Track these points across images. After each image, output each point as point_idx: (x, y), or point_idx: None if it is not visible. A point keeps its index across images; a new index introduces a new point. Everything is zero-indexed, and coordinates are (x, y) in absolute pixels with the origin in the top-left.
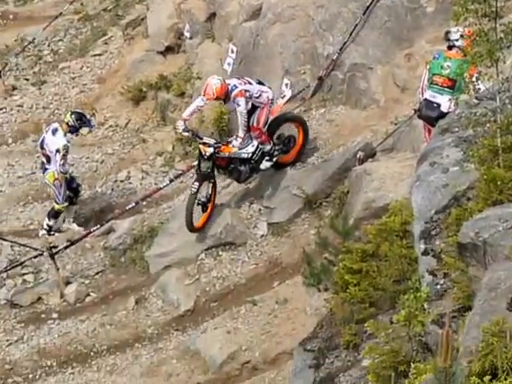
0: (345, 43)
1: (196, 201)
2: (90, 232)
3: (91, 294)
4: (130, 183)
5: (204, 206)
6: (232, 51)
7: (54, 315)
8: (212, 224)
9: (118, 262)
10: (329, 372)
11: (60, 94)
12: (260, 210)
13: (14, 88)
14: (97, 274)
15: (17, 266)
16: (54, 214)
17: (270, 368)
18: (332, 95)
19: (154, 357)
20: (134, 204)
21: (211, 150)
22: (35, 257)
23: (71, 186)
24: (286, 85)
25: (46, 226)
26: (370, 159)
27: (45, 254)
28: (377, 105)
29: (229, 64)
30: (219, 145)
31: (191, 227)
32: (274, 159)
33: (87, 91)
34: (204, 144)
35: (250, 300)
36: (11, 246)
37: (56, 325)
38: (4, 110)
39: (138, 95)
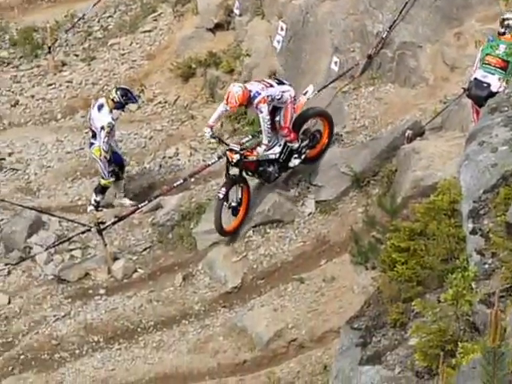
0: (394, 21)
1: (226, 205)
2: (138, 208)
3: (138, 270)
4: (178, 160)
5: (234, 210)
6: (281, 29)
7: (102, 291)
8: (260, 201)
9: (165, 238)
10: (376, 350)
11: (109, 70)
12: (308, 187)
13: (64, 64)
14: (144, 250)
15: (65, 241)
16: (101, 190)
17: (317, 346)
18: (381, 73)
19: (201, 333)
20: (181, 181)
21: (237, 156)
22: (83, 232)
23: (117, 161)
24: (335, 63)
25: (93, 202)
26: (418, 138)
27: (93, 229)
28: (426, 83)
29: (278, 42)
30: (244, 151)
31: (221, 231)
32: (303, 156)
33: (136, 67)
34: (230, 150)
35: (297, 278)
36: (59, 222)
37: (103, 301)
38: (53, 86)
39: (187, 72)
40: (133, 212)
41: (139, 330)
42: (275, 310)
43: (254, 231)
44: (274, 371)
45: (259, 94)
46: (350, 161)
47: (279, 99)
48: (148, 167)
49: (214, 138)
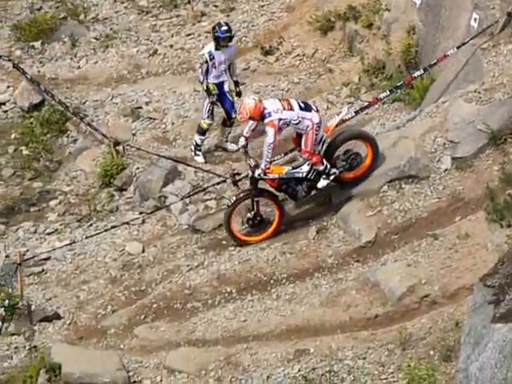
0: None
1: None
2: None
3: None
4: None
5: (252, 224)
6: None
7: (235, 242)
8: (395, 156)
9: None
10: (509, 308)
11: (248, 21)
12: (444, 144)
13: (203, 14)
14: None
15: (200, 191)
16: (200, 131)
17: (449, 302)
18: None
19: (334, 287)
20: None
21: (250, 173)
22: (218, 183)
23: (226, 107)
24: (475, 19)
25: (193, 142)
26: None
27: (228, 180)
28: None
29: None
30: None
31: (233, 237)
32: (332, 177)
33: (275, 19)
34: (249, 166)
35: (431, 234)
36: (195, 172)
37: (237, 252)
38: (192, 36)
39: (326, 25)
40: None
41: (272, 281)
42: (408, 266)
43: (389, 186)
44: (406, 326)
45: (270, 115)
46: (487, 118)
47: (296, 124)
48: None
49: (245, 150)
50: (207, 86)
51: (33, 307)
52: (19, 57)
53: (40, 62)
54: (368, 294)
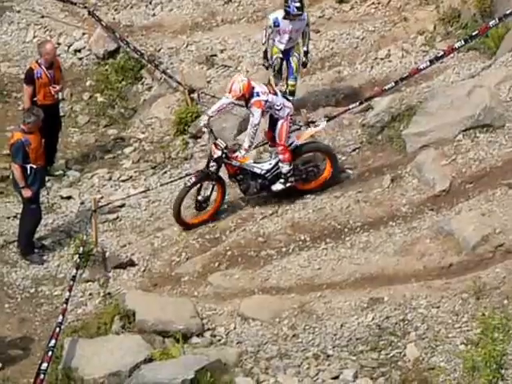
0: None
1: (193, 196)
2: (349, 109)
3: (347, 170)
4: (390, 61)
5: (199, 206)
6: None
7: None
8: (470, 105)
9: (375, 139)
10: None
11: None
12: None
13: None
14: (353, 150)
15: None
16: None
17: None
18: None
19: (408, 236)
20: (393, 84)
21: (219, 153)
22: (293, 131)
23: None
24: None
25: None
26: None
27: (302, 128)
28: None
29: None
30: (226, 151)
31: (178, 219)
32: (288, 184)
33: None
34: (215, 145)
35: (505, 183)
36: None
37: (311, 200)
38: None
39: None
40: (343, 112)
41: (346, 230)
42: (483, 215)
43: (463, 135)
44: (480, 276)
45: (258, 95)
46: None
47: (278, 110)
48: (359, 68)
49: (207, 127)
50: (265, 51)
51: (107, 254)
52: (94, 4)
53: (115, 10)
54: (442, 242)
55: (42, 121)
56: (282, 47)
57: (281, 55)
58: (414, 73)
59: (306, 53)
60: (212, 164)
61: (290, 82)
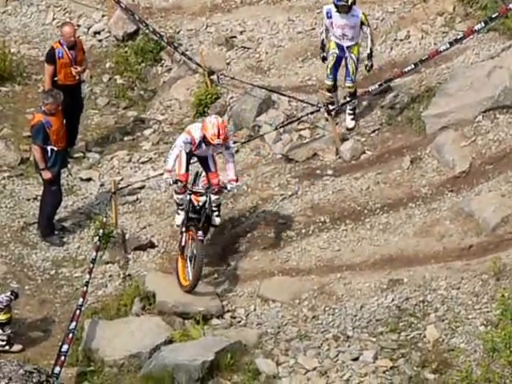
0: None
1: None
2: (368, 91)
3: (366, 151)
4: (410, 42)
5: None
6: None
7: (329, 171)
8: (490, 86)
9: (394, 120)
10: None
11: None
12: None
13: None
14: (373, 132)
15: (294, 121)
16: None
17: None
18: None
19: (427, 217)
20: (413, 66)
21: (203, 198)
22: (312, 113)
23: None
24: None
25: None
26: None
27: (322, 109)
28: None
29: None
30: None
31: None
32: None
33: None
34: (195, 193)
35: None
36: (289, 101)
37: (331, 181)
38: None
39: None
40: (363, 94)
41: (366, 211)
42: (503, 196)
43: (483, 116)
44: (500, 257)
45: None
46: None
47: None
48: (379, 49)
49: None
50: (322, 41)
51: (127, 236)
52: None
53: None
54: (462, 224)
55: (61, 103)
56: (337, 42)
57: (337, 51)
58: (433, 55)
59: (370, 55)
60: (195, 214)
61: (348, 84)
